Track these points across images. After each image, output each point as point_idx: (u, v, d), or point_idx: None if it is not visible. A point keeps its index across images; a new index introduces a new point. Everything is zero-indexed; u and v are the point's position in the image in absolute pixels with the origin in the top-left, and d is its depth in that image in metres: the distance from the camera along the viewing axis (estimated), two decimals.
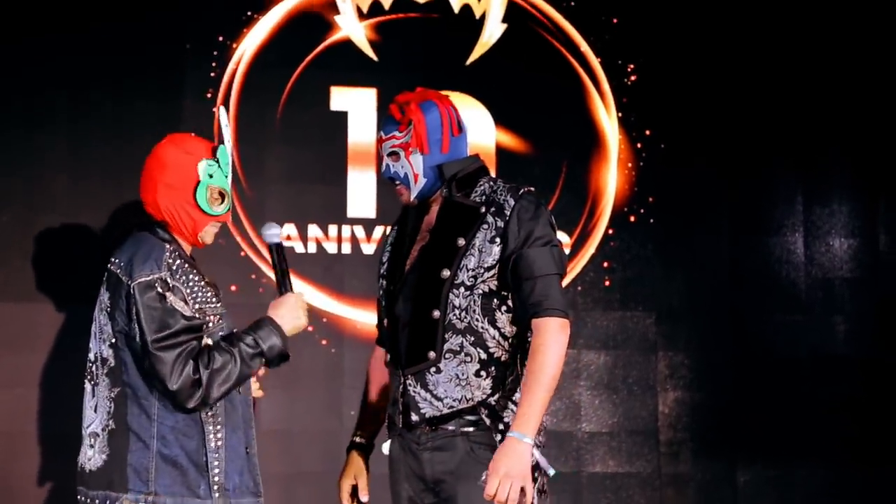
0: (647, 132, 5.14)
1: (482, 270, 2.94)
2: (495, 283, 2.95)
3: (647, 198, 5.14)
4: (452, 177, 3.00)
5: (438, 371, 2.96)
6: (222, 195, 2.87)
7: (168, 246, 2.83)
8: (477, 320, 2.95)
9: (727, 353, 5.12)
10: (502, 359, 2.96)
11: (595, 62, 5.09)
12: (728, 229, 5.15)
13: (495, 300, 2.96)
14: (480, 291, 2.95)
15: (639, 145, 5.14)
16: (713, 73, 5.19)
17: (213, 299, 2.88)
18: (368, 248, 4.83)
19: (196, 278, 2.84)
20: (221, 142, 2.92)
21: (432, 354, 2.96)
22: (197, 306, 2.82)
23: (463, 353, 2.95)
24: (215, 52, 4.77)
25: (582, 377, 5.03)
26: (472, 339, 2.95)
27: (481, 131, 4.93)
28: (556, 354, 2.85)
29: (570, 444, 4.98)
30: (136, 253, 2.83)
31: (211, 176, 2.86)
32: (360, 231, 4.85)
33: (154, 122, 4.52)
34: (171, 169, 2.86)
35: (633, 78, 5.13)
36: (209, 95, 4.71)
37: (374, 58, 4.89)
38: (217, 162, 2.88)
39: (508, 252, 2.92)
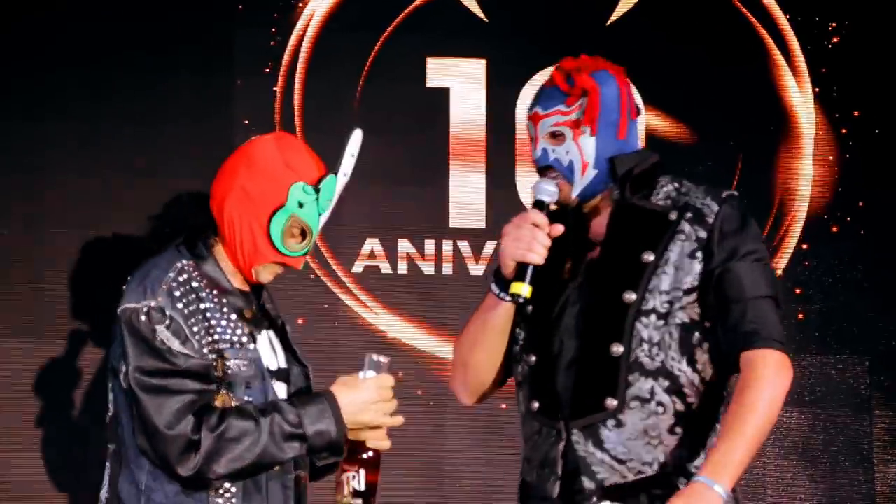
0: (855, 113, 4.90)
1: (680, 293, 2.79)
2: (697, 310, 2.80)
3: (855, 202, 4.88)
4: (628, 172, 2.88)
5: (619, 425, 2.80)
6: (304, 234, 2.81)
7: (178, 265, 2.78)
8: (673, 359, 2.79)
9: None
10: (703, 411, 2.83)
11: (782, 19, 4.90)
12: None
13: (697, 334, 2.82)
14: (678, 321, 2.80)
15: (843, 131, 4.90)
16: None
17: (243, 338, 2.79)
18: (477, 269, 4.76)
19: (220, 309, 2.78)
20: (336, 171, 2.87)
21: (612, 402, 2.79)
22: (207, 348, 2.74)
23: (654, 402, 2.80)
24: (276, 15, 4.61)
25: (767, 443, 4.48)
26: (667, 383, 2.80)
27: None
28: (774, 393, 2.71)
29: None
30: (136, 274, 2.82)
31: (301, 205, 2.79)
32: (465, 247, 4.78)
33: (195, 108, 4.51)
34: (258, 173, 2.79)
35: (835, 40, 4.93)
36: (268, 70, 4.59)
37: (484, 18, 4.74)
38: (317, 192, 2.80)
39: (711, 267, 2.80)
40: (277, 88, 4.54)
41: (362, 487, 2.76)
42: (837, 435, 4.77)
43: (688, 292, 2.81)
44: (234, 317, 2.80)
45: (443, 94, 4.68)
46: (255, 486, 2.79)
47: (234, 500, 2.76)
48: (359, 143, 2.91)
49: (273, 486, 2.81)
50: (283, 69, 4.57)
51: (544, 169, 2.89)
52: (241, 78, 4.52)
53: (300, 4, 4.60)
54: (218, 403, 2.73)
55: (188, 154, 4.40)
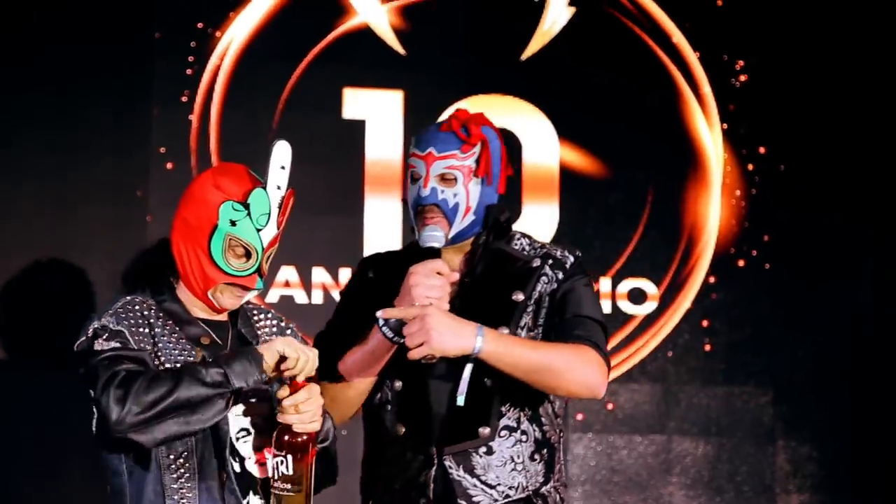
0: (762, 150, 4.95)
1: (540, 329, 2.96)
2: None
3: (760, 236, 4.94)
4: (496, 220, 3.02)
5: (490, 452, 2.90)
6: (248, 252, 2.76)
7: (130, 298, 2.77)
8: (532, 391, 2.91)
9: (869, 444, 4.90)
10: (552, 440, 2.98)
11: (692, 57, 4.95)
12: (870, 279, 4.99)
13: None
14: None
15: (750, 167, 4.96)
16: (848, 72, 5.04)
17: (189, 359, 2.73)
18: None
19: (171, 335, 2.75)
20: (265, 185, 2.81)
21: (485, 431, 2.88)
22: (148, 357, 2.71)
23: (519, 431, 2.92)
24: (193, 44, 4.59)
25: (674, 472, 4.84)
26: (529, 412, 2.95)
27: (540, 146, 4.79)
28: (579, 362, 2.85)
29: None
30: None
31: (233, 223, 2.76)
32: None
33: (111, 137, 4.45)
34: (193, 202, 2.79)
35: (742, 78, 4.98)
36: (184, 99, 4.57)
37: (401, 51, 4.75)
38: (246, 208, 2.76)
39: (561, 294, 2.97)
40: (194, 117, 4.50)
41: (290, 472, 2.71)
42: (741, 464, 4.81)
43: (544, 324, 2.96)
44: (184, 342, 2.78)
45: (359, 126, 4.67)
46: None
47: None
48: (287, 154, 2.88)
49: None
50: (199, 98, 4.53)
51: (428, 207, 2.96)
52: (158, 106, 4.48)
53: (217, 34, 4.56)
54: None
55: (105, 181, 4.35)
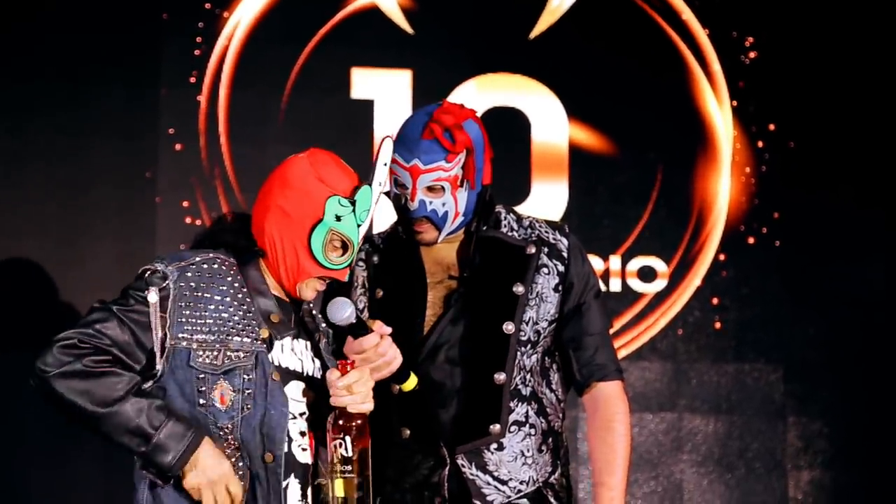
0: (771, 127, 4.93)
1: (545, 324, 2.97)
2: (551, 338, 3.01)
3: (770, 213, 4.91)
4: (483, 206, 3.01)
5: (501, 448, 2.93)
6: (345, 246, 2.76)
7: (212, 255, 2.73)
8: (539, 384, 2.97)
9: (879, 421, 4.87)
10: (557, 428, 3.02)
11: (701, 34, 4.92)
12: (882, 256, 4.94)
13: (547, 359, 3.01)
14: (541, 349, 2.98)
15: (760, 144, 4.93)
16: (858, 48, 4.98)
17: (252, 333, 2.70)
18: None
19: (241, 304, 2.72)
20: (370, 182, 2.81)
21: (496, 428, 2.90)
22: (205, 335, 2.67)
23: (528, 425, 2.95)
24: (201, 24, 4.58)
25: (685, 449, 4.83)
26: (536, 406, 2.97)
27: (549, 125, 4.76)
28: (629, 423, 3.03)
29: None
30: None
31: (339, 218, 2.74)
32: None
33: (120, 118, 4.44)
34: (293, 191, 2.75)
35: (752, 55, 4.96)
36: (193, 80, 4.55)
37: (409, 30, 4.73)
38: (353, 204, 2.76)
39: (574, 302, 3.01)
40: (202, 98, 4.49)
41: (349, 454, 2.71)
42: (752, 441, 4.81)
43: (550, 322, 2.97)
44: (252, 314, 2.76)
45: (367, 106, 4.66)
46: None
47: None
48: (390, 152, 2.86)
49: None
50: (208, 79, 4.52)
51: (417, 220, 2.94)
52: (167, 87, 4.47)
53: (225, 14, 4.54)
54: (216, 394, 2.70)
55: (114, 163, 4.35)
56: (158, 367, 2.67)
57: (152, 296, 2.66)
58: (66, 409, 2.61)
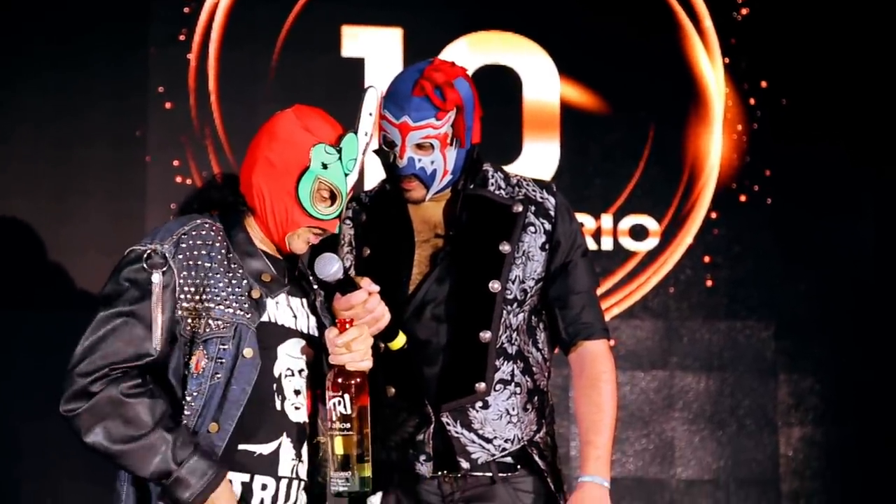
0: (763, 84, 4.93)
1: (532, 283, 2.98)
2: (538, 297, 3.02)
3: (762, 171, 4.91)
4: (470, 164, 3.02)
5: (486, 406, 2.95)
6: (333, 196, 2.76)
7: (199, 221, 2.74)
8: (525, 342, 2.99)
9: (870, 377, 4.87)
10: (542, 387, 3.04)
11: None
12: (872, 213, 4.95)
13: (534, 318, 3.03)
14: (528, 308, 2.99)
15: (751, 101, 4.94)
16: (850, 4, 4.97)
17: (241, 296, 2.71)
18: None
19: (228, 267, 2.73)
20: (355, 130, 2.81)
21: (481, 386, 2.92)
22: (188, 303, 2.68)
23: (513, 384, 2.97)
24: None
25: (676, 407, 4.85)
26: (522, 365, 2.99)
27: (541, 83, 4.75)
28: (615, 382, 3.04)
29: (661, 495, 4.82)
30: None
31: (325, 166, 2.75)
32: None
33: (109, 77, 4.42)
34: (279, 143, 2.76)
35: (743, 11, 4.95)
36: (182, 38, 4.54)
37: None
38: (339, 152, 2.76)
39: (560, 261, 3.03)
40: (192, 56, 4.48)
41: (348, 411, 2.72)
42: (744, 399, 4.83)
43: (537, 281, 2.97)
44: (241, 275, 2.77)
45: (358, 64, 4.64)
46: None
47: None
48: (375, 101, 2.86)
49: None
50: (197, 37, 4.50)
51: (408, 177, 2.94)
52: (156, 45, 4.46)
53: None
54: (193, 360, 2.72)
55: (104, 122, 4.33)
56: (161, 347, 2.69)
57: (156, 276, 2.66)
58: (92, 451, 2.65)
